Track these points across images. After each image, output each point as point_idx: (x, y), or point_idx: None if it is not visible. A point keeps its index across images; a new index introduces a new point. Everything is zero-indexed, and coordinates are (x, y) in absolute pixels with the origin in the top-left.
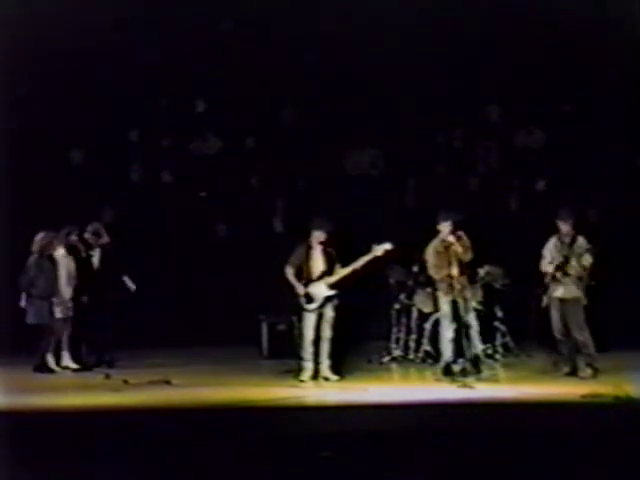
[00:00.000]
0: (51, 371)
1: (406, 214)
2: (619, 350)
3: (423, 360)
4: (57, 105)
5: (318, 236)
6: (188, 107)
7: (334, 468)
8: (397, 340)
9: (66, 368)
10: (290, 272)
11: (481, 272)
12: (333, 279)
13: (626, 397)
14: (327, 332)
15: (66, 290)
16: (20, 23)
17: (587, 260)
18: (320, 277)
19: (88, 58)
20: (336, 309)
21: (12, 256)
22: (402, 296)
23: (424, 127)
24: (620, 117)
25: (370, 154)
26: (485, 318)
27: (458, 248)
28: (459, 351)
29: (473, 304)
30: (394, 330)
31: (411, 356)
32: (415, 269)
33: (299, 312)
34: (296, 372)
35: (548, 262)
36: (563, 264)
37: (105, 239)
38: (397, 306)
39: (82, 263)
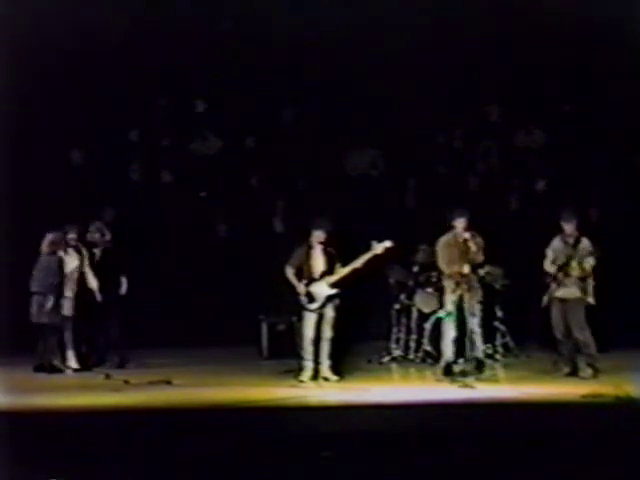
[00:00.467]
0: (54, 371)
1: (406, 214)
2: (619, 350)
3: (423, 360)
4: (57, 105)
5: (318, 236)
6: (188, 107)
7: (334, 468)
8: (397, 340)
9: (69, 368)
10: (290, 272)
11: (481, 272)
12: (334, 278)
13: (626, 397)
14: (328, 332)
15: (70, 289)
16: (20, 23)
17: (589, 263)
18: (321, 277)
19: (88, 58)
20: (337, 309)
21: (12, 256)
22: (402, 296)
23: (424, 127)
24: (620, 117)
25: (370, 154)
26: (485, 318)
27: (472, 246)
28: (461, 351)
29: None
30: (394, 330)
31: (411, 356)
32: (415, 269)
33: (300, 312)
34: (296, 372)
35: (551, 261)
36: (565, 265)
37: (108, 237)
38: (397, 306)
39: (83, 261)
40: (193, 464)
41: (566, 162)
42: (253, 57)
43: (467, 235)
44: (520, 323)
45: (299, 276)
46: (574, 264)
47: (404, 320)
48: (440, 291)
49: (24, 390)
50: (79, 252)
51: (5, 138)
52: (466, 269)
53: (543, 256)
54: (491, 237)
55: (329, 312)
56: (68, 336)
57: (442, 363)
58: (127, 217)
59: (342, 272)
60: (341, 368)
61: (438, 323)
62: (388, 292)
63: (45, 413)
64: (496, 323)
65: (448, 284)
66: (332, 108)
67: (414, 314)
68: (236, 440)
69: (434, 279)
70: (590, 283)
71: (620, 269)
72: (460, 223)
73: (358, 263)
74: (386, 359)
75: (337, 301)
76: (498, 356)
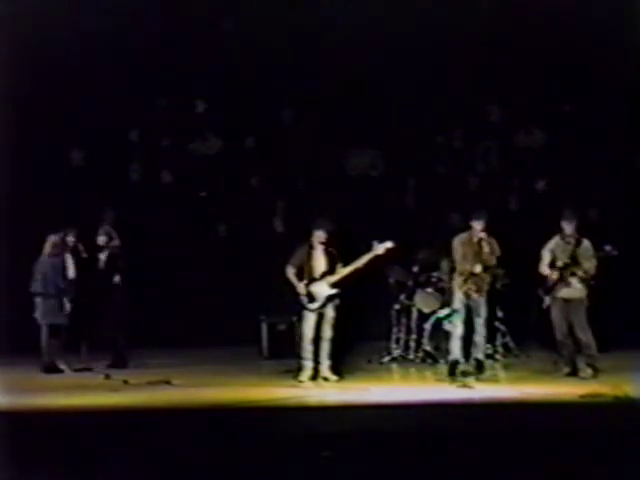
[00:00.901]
0: (57, 371)
1: (406, 214)
2: (619, 350)
3: (423, 360)
4: (57, 105)
5: (319, 236)
6: (188, 107)
7: (334, 468)
8: (397, 340)
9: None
10: (291, 272)
11: (498, 285)
12: (335, 278)
13: (626, 397)
14: (328, 332)
15: (73, 290)
16: (20, 23)
17: (592, 264)
18: (322, 277)
19: (88, 58)
20: (337, 309)
21: (12, 256)
22: (402, 296)
23: (424, 127)
24: (620, 117)
25: (370, 154)
26: (486, 318)
27: (485, 247)
28: (465, 350)
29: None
30: (394, 330)
31: (411, 356)
32: (415, 269)
33: (300, 312)
34: (295, 372)
35: (548, 263)
36: (569, 265)
37: (116, 242)
38: (397, 306)
39: (83, 264)
40: (193, 464)
41: (566, 162)
42: (253, 57)
43: (482, 235)
44: (520, 323)
45: (300, 276)
46: (579, 264)
47: (404, 320)
48: (440, 291)
49: (24, 390)
50: (78, 254)
51: (5, 138)
52: (478, 269)
53: (542, 250)
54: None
55: (329, 312)
56: (68, 337)
57: (449, 359)
58: (127, 217)
59: (343, 272)
60: (341, 368)
61: (438, 323)
62: (388, 292)
63: (45, 413)
64: (496, 323)
65: (457, 281)
66: (332, 108)
67: (414, 314)
68: (236, 440)
69: (434, 279)
70: (588, 284)
71: (620, 269)
72: (478, 225)
73: (359, 263)
74: (386, 359)
75: (337, 301)
76: (498, 356)
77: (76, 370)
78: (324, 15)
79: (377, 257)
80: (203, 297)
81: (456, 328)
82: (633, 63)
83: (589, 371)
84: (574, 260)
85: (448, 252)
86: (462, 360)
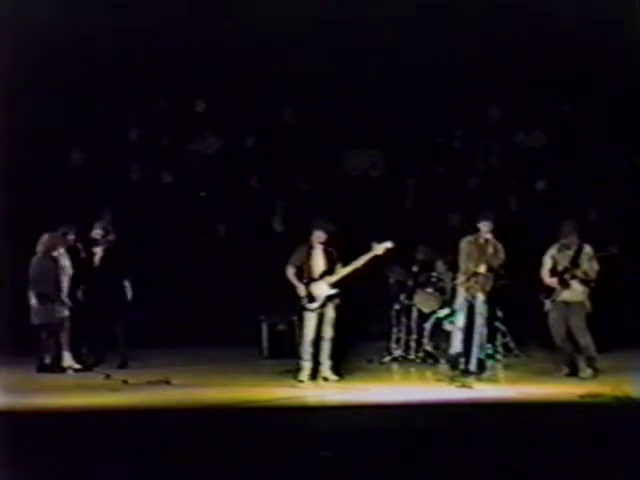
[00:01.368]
0: (55, 371)
1: (406, 214)
2: (618, 350)
3: (423, 360)
4: (57, 105)
5: (319, 236)
6: (188, 107)
7: (334, 468)
8: (397, 340)
9: (69, 368)
10: (291, 272)
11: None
12: (334, 278)
13: (625, 397)
14: (328, 332)
15: (68, 290)
16: (20, 23)
17: (594, 267)
18: (321, 276)
19: (88, 58)
20: (337, 309)
21: (12, 257)
22: (402, 296)
23: (424, 127)
24: (620, 117)
25: (370, 154)
26: (485, 318)
27: (490, 248)
28: (465, 349)
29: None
30: (394, 330)
31: (411, 356)
32: (415, 269)
33: (300, 312)
34: (294, 372)
35: (549, 269)
36: (569, 268)
37: (111, 237)
38: (397, 306)
39: (82, 262)
40: (193, 464)
41: (566, 162)
42: (253, 57)
43: (489, 235)
44: (520, 323)
45: (299, 276)
46: (582, 267)
47: (404, 320)
48: (440, 291)
49: (24, 390)
50: (77, 253)
51: (5, 138)
52: (482, 268)
53: (543, 256)
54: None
55: (330, 312)
56: (66, 337)
57: (451, 353)
58: (127, 217)
59: (342, 272)
60: (341, 368)
61: (438, 323)
62: (388, 292)
63: (45, 413)
64: (496, 323)
65: (460, 280)
66: (332, 108)
67: (414, 314)
68: (236, 440)
69: (434, 279)
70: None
71: (620, 269)
72: (485, 226)
73: (358, 263)
74: (386, 359)
75: (337, 301)
76: (498, 356)
77: (76, 370)
78: (324, 15)
79: (376, 257)
80: (203, 297)
81: (458, 323)
82: (633, 63)
83: (589, 371)
84: (575, 264)
85: (444, 252)
86: (461, 360)
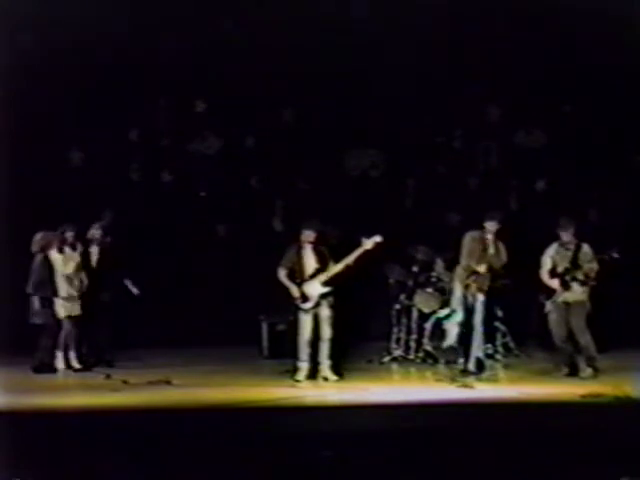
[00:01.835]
0: (51, 371)
1: (406, 214)
2: (619, 350)
3: (423, 360)
4: (57, 105)
5: (308, 235)
6: (188, 107)
7: (334, 468)
8: (397, 340)
9: (70, 368)
10: (282, 274)
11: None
12: (326, 276)
13: (626, 397)
14: (327, 332)
15: (65, 289)
16: (20, 23)
17: (593, 267)
18: (313, 276)
19: (88, 58)
20: (333, 307)
21: (12, 257)
22: (402, 296)
23: (424, 127)
24: (620, 117)
25: (370, 154)
26: (486, 318)
27: (491, 248)
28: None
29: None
30: (394, 330)
31: (411, 356)
32: (415, 269)
33: (295, 313)
34: (291, 372)
35: (548, 270)
36: (569, 269)
37: (108, 238)
38: (397, 306)
39: (81, 262)
40: (193, 464)
41: (566, 162)
42: (253, 57)
43: (490, 236)
44: (520, 323)
45: (291, 277)
46: (580, 268)
47: (404, 320)
48: (440, 291)
49: (24, 390)
50: (76, 251)
51: (5, 138)
52: (482, 268)
53: (542, 256)
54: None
55: (324, 311)
56: (63, 336)
57: (444, 345)
58: (127, 217)
59: (333, 270)
60: (341, 368)
61: (438, 323)
62: (388, 292)
63: (45, 413)
64: (496, 323)
65: (459, 276)
66: (332, 108)
67: (414, 314)
68: (236, 440)
69: (434, 279)
70: (591, 286)
71: (620, 269)
72: (491, 226)
73: (349, 260)
74: (386, 359)
75: (331, 299)
76: (498, 356)
77: (76, 370)
78: (324, 15)
79: (367, 252)
80: (203, 297)
81: (455, 320)
82: (633, 63)
83: (589, 371)
84: (574, 264)
85: (443, 251)
86: (460, 352)
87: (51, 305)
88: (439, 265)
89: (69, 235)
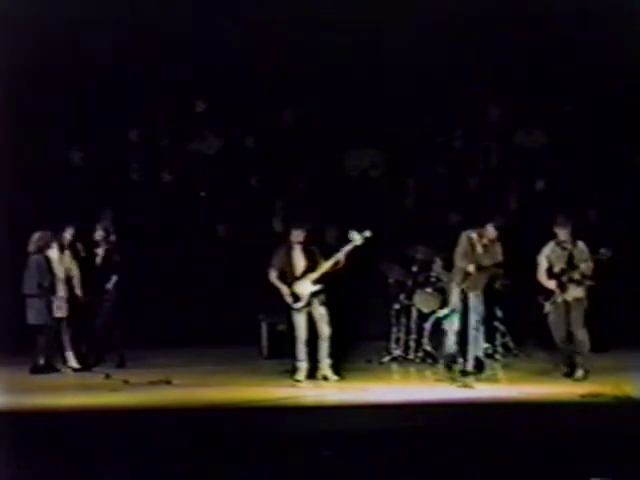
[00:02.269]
0: (48, 372)
1: (406, 214)
2: (619, 350)
3: (423, 360)
4: (57, 105)
5: (297, 235)
6: (188, 107)
7: (334, 468)
8: (397, 340)
9: (69, 367)
10: (273, 275)
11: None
12: (316, 275)
13: (626, 397)
14: (325, 330)
15: (63, 289)
16: (20, 22)
17: (588, 265)
18: (303, 275)
19: (88, 58)
20: (326, 305)
21: (12, 256)
22: (402, 296)
23: (424, 127)
24: (620, 117)
25: (370, 154)
26: (485, 318)
27: (479, 248)
28: (463, 349)
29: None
30: (394, 330)
31: (411, 356)
32: (415, 269)
33: (289, 313)
34: (291, 373)
35: (545, 270)
36: (566, 270)
37: (112, 238)
38: (397, 306)
39: (80, 261)
40: (192, 464)
41: (566, 162)
42: (253, 57)
43: (474, 235)
44: (520, 323)
45: (283, 278)
46: (576, 268)
47: (404, 320)
48: (440, 291)
49: (24, 390)
50: (74, 251)
51: (5, 138)
52: (470, 268)
53: (538, 256)
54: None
55: (318, 309)
56: (62, 337)
57: (444, 353)
58: (127, 217)
59: (323, 268)
60: (341, 368)
61: (438, 323)
62: (388, 292)
63: (45, 413)
64: (496, 323)
65: (456, 278)
66: (332, 108)
67: (414, 314)
68: (236, 440)
69: (433, 279)
70: (589, 285)
71: (619, 269)
72: (490, 227)
73: (339, 257)
74: (386, 359)
75: (323, 297)
76: (498, 356)
77: (76, 370)
78: (324, 15)
79: (357, 248)
80: (203, 297)
81: (452, 325)
82: (633, 63)
83: (581, 372)
84: (570, 265)
85: (443, 251)
86: (459, 356)
87: (48, 305)
88: (438, 265)
89: (68, 235)
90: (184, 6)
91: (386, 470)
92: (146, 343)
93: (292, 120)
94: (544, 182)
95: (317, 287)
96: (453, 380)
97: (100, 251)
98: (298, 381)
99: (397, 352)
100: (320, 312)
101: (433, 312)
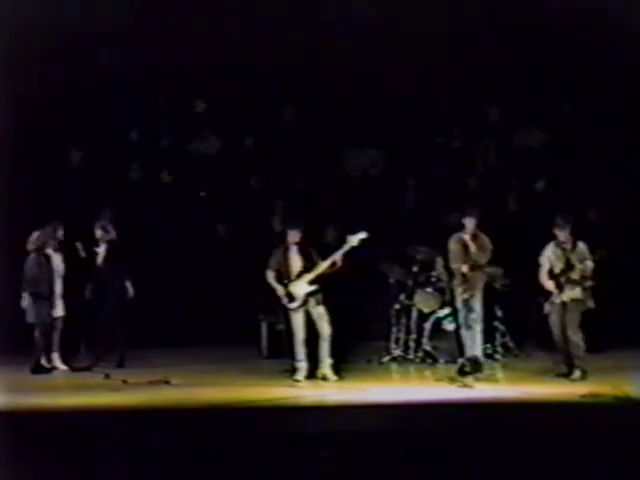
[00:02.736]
0: (49, 371)
1: (406, 214)
2: (619, 350)
3: (423, 360)
4: (57, 105)
5: (293, 236)
6: (188, 107)
7: (334, 468)
8: (397, 340)
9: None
10: (271, 276)
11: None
12: (312, 275)
13: (625, 397)
14: (326, 329)
15: (61, 288)
16: (20, 23)
17: (588, 266)
18: (299, 275)
19: (88, 58)
20: (324, 305)
21: (12, 256)
22: (402, 296)
23: (424, 127)
24: (620, 117)
25: (370, 154)
26: (485, 318)
27: (472, 247)
28: (461, 348)
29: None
30: (394, 330)
31: (411, 356)
32: (415, 269)
33: (285, 313)
34: (290, 373)
35: (547, 271)
36: (566, 270)
37: (112, 235)
38: (397, 306)
39: (75, 260)
40: (192, 464)
41: (566, 162)
42: (253, 57)
43: (467, 237)
44: (520, 323)
45: (279, 278)
46: (574, 268)
47: (404, 320)
48: (440, 291)
49: (24, 390)
50: (73, 251)
51: (5, 138)
52: (464, 269)
53: (540, 257)
54: (490, 237)
55: (316, 309)
56: (57, 336)
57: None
58: (127, 217)
59: (319, 268)
60: (341, 368)
61: (438, 323)
62: (388, 292)
63: (45, 413)
64: (496, 323)
65: (455, 281)
66: (332, 108)
67: (414, 314)
68: (236, 440)
69: (434, 279)
70: (588, 285)
71: (619, 269)
72: (470, 222)
73: (335, 257)
74: (386, 359)
75: (319, 296)
76: (498, 356)
77: (75, 370)
78: (324, 15)
79: (356, 248)
80: (203, 297)
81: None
82: (633, 63)
83: (578, 373)
84: (569, 265)
85: (442, 251)
86: (459, 360)
87: (46, 304)
88: (440, 265)
89: (59, 232)
90: (184, 6)
91: (386, 470)
92: (146, 343)
93: (292, 120)
94: (544, 182)
95: (313, 288)
96: (453, 380)
97: (100, 250)
98: (297, 381)
99: (397, 352)
100: (319, 311)
101: (433, 312)
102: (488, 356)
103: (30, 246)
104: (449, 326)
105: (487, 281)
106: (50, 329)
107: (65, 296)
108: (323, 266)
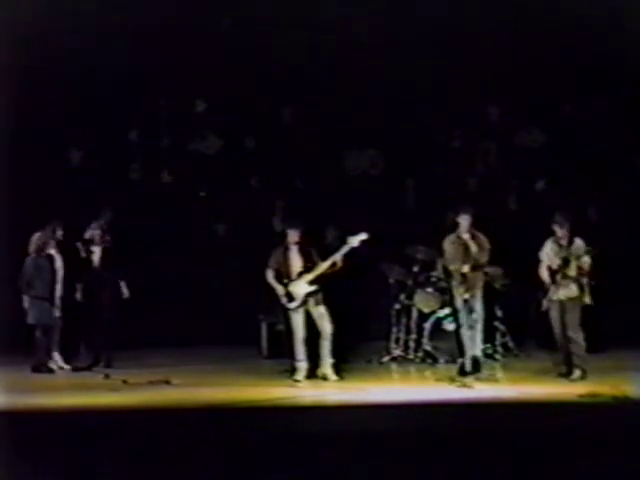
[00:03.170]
0: (50, 371)
1: (406, 214)
2: (617, 350)
3: (423, 360)
4: (57, 105)
5: (293, 235)
6: (188, 107)
7: (334, 468)
8: (397, 340)
9: (60, 369)
10: (270, 275)
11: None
12: (311, 275)
13: (624, 397)
14: (327, 329)
15: (60, 289)
16: (20, 23)
17: (586, 262)
18: (299, 275)
19: (88, 58)
20: (324, 304)
21: (12, 256)
22: (402, 296)
23: (424, 127)
24: (620, 117)
25: (370, 154)
26: (485, 318)
27: (473, 246)
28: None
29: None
30: (394, 330)
31: (411, 356)
32: (415, 269)
33: (285, 313)
34: (290, 373)
35: (546, 267)
36: (562, 267)
37: (108, 236)
38: (397, 306)
39: (73, 260)
40: (192, 464)
41: (566, 162)
42: (253, 57)
43: (466, 236)
44: (520, 323)
45: (279, 278)
46: (571, 265)
47: (404, 320)
48: (440, 291)
49: (23, 390)
50: (74, 251)
51: (5, 138)
52: (465, 269)
53: (540, 253)
54: (490, 237)
55: (316, 308)
56: (57, 337)
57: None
58: (127, 217)
59: (319, 269)
60: (341, 368)
61: (438, 323)
62: (388, 292)
63: (45, 413)
64: (496, 323)
65: (454, 282)
66: (332, 108)
67: (414, 314)
68: (236, 440)
69: (434, 279)
70: (586, 283)
71: (619, 269)
72: (464, 220)
73: (335, 258)
74: (386, 359)
75: (319, 296)
76: (498, 356)
77: (75, 370)
78: (324, 15)
79: (356, 249)
80: (203, 297)
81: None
82: (633, 63)
83: (578, 373)
84: (566, 262)
85: (442, 251)
86: (459, 360)
87: (47, 305)
88: (439, 265)
89: (58, 232)
90: (184, 6)
91: (386, 470)
92: (146, 343)
93: (292, 120)
94: (544, 182)
95: (312, 288)
96: (453, 380)
97: (97, 250)
98: (297, 381)
99: (397, 352)
100: (319, 311)
101: (433, 312)
102: (488, 356)
103: (31, 247)
104: (449, 326)
105: (487, 281)
106: (50, 329)
107: (63, 297)
108: (323, 267)
